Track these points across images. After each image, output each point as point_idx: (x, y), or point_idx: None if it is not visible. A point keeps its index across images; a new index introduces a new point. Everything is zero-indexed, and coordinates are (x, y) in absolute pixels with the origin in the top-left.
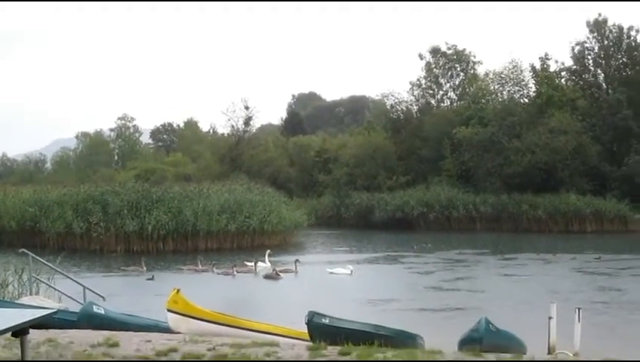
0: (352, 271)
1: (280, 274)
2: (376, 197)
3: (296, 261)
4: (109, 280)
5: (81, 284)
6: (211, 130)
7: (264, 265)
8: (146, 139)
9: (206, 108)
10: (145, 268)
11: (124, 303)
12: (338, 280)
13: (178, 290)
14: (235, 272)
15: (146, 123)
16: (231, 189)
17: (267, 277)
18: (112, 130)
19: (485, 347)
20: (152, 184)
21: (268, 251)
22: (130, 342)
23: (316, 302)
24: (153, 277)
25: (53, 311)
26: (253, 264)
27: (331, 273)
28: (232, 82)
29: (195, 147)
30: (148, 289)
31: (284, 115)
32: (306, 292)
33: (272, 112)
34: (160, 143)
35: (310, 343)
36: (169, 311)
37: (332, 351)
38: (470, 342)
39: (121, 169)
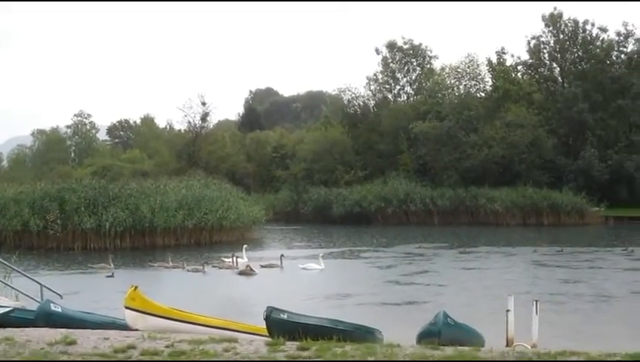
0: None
1: (254, 269)
2: (334, 192)
3: (282, 256)
4: (67, 278)
5: (38, 282)
6: (168, 126)
7: (243, 261)
8: (102, 135)
9: (163, 104)
10: (112, 266)
11: (83, 301)
12: (309, 276)
13: (136, 287)
14: (205, 269)
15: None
16: (188, 185)
17: (241, 273)
18: (68, 127)
19: (443, 340)
20: (109, 181)
21: (245, 246)
22: (88, 340)
23: (283, 297)
24: (113, 274)
25: (10, 309)
26: (230, 260)
27: (303, 268)
28: (188, 78)
29: (152, 143)
30: (108, 286)
31: (241, 110)
32: (275, 288)
33: (229, 108)
34: (117, 140)
35: (269, 338)
36: (126, 308)
37: (291, 346)
38: (428, 335)
39: (78, 166)
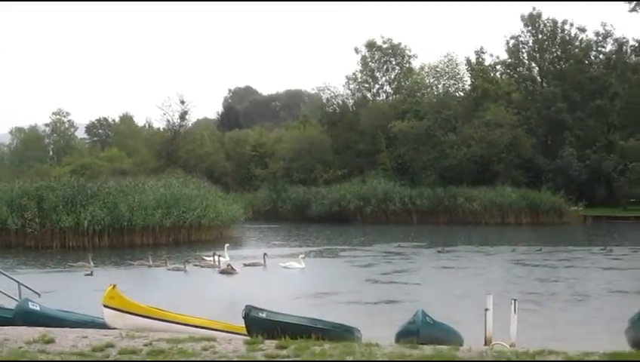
0: (304, 266)
1: (235, 268)
2: (313, 190)
3: (265, 255)
4: (45, 277)
5: (16, 281)
6: (147, 125)
7: (225, 260)
8: (81, 134)
9: (141, 102)
10: (92, 264)
11: (62, 300)
12: (290, 275)
13: (114, 286)
14: (186, 268)
15: (81, 118)
16: (167, 184)
17: (223, 272)
18: (46, 125)
19: (422, 339)
20: (88, 179)
21: (226, 245)
22: (66, 339)
23: (264, 296)
24: (92, 272)
25: None
26: (212, 259)
27: (285, 267)
28: (167, 76)
29: (131, 142)
30: (87, 285)
31: (220, 109)
32: (257, 286)
33: (208, 107)
34: (95, 138)
35: (248, 337)
36: (105, 306)
37: (269, 345)
38: (407, 334)
39: (57, 164)
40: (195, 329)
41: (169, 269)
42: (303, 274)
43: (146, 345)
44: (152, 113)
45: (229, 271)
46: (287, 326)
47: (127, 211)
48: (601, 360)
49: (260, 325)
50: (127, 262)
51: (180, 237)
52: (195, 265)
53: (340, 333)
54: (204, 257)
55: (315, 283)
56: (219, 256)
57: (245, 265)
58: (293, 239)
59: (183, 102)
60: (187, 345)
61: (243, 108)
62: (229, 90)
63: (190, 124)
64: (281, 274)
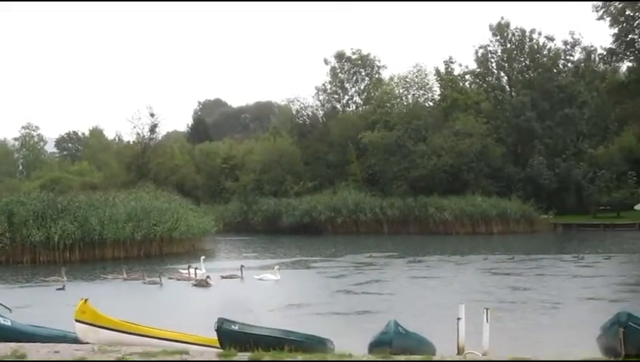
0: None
1: (209, 281)
2: (284, 202)
3: (242, 267)
4: (16, 292)
5: None
6: (117, 138)
7: (201, 272)
8: (50, 148)
9: (111, 115)
10: (65, 278)
11: (34, 315)
12: (265, 287)
13: (86, 300)
14: (162, 281)
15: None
16: (137, 197)
17: (197, 284)
18: (16, 139)
19: (395, 349)
20: (58, 193)
21: (202, 257)
22: (38, 354)
23: (237, 308)
24: (64, 287)
25: None
26: (187, 271)
27: (260, 279)
28: (137, 89)
29: (101, 155)
30: (59, 299)
31: (190, 121)
32: (231, 298)
33: (177, 119)
34: (65, 152)
35: (220, 350)
36: (77, 321)
37: (242, 357)
38: (380, 344)
39: (26, 179)
40: (167, 342)
41: (145, 283)
42: (278, 285)
43: (118, 359)
44: (121, 126)
45: (203, 284)
46: (260, 338)
47: (97, 225)
48: None
49: (232, 337)
50: (101, 276)
51: (152, 250)
52: (170, 278)
53: (313, 345)
54: (180, 270)
55: (288, 294)
56: (195, 268)
57: (223, 277)
58: (265, 251)
59: (152, 115)
60: (159, 358)
61: (213, 121)
62: (199, 103)
63: (160, 137)
64: (256, 286)
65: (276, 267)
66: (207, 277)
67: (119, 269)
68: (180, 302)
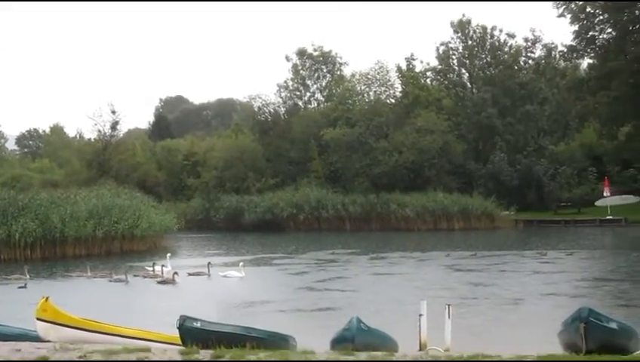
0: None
1: (175, 279)
2: (246, 199)
3: (209, 264)
4: None
5: None
6: (78, 136)
7: (167, 269)
8: (11, 145)
9: (72, 113)
10: (28, 276)
11: None
12: (229, 284)
13: (47, 298)
14: (128, 279)
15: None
16: (99, 194)
17: (162, 282)
18: None
19: (357, 346)
20: (19, 191)
21: (168, 255)
22: None
23: (199, 306)
24: (26, 285)
25: None
26: (152, 269)
27: (225, 276)
28: (98, 86)
29: (62, 153)
30: (22, 298)
31: (151, 119)
32: (195, 296)
33: (139, 116)
34: (26, 149)
35: (182, 347)
36: (38, 319)
37: (205, 355)
38: (342, 341)
39: None
40: (129, 340)
41: (111, 281)
42: (242, 282)
43: (80, 358)
44: (83, 124)
45: (169, 281)
46: (222, 335)
47: (59, 223)
48: None
49: (194, 335)
50: (65, 274)
51: (113, 248)
52: (136, 276)
53: (275, 342)
54: (146, 268)
55: (251, 291)
56: (162, 266)
57: (190, 274)
58: (228, 248)
59: (114, 112)
60: (121, 356)
61: (174, 118)
62: (160, 100)
63: (122, 134)
64: (221, 284)
65: (241, 264)
66: (175, 273)
67: (83, 267)
68: (146, 300)
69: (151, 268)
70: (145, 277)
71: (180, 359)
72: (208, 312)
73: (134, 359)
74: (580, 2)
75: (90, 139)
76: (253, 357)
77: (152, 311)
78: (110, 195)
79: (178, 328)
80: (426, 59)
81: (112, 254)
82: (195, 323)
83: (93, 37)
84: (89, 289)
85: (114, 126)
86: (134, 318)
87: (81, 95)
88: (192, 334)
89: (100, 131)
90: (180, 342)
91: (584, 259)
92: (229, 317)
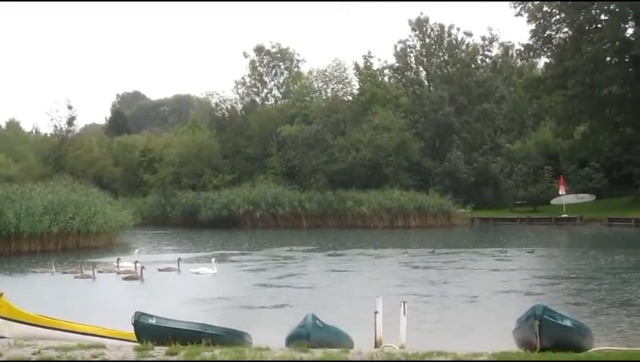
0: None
1: (139, 274)
2: (203, 196)
3: (179, 259)
4: None
5: None
6: (34, 131)
7: (130, 265)
8: None
9: (28, 108)
10: None
11: None
12: (199, 280)
13: (1, 294)
14: (95, 274)
15: None
16: (54, 190)
17: (128, 278)
18: None
19: (313, 342)
20: None
21: (136, 250)
22: None
23: (157, 302)
24: None
25: None
26: (116, 265)
27: (196, 273)
28: (54, 81)
29: (18, 148)
30: None
31: (108, 114)
32: (155, 293)
33: (96, 112)
34: None
35: (138, 344)
36: None
37: (160, 351)
38: (298, 337)
39: None
40: (84, 336)
41: (77, 276)
42: (207, 279)
43: (34, 354)
44: (39, 119)
45: (133, 277)
46: (178, 331)
47: (14, 218)
48: (489, 360)
49: (149, 331)
50: (29, 269)
51: (68, 244)
52: (100, 272)
53: (231, 338)
54: (113, 263)
55: (206, 288)
56: (135, 261)
57: (160, 270)
58: (184, 244)
59: (70, 108)
60: (76, 352)
61: (131, 114)
62: (117, 95)
63: (78, 130)
64: (189, 280)
65: (213, 260)
66: (142, 268)
67: (48, 263)
68: (110, 296)
69: (115, 264)
70: (110, 272)
71: (134, 355)
72: (156, 308)
73: (89, 355)
74: (537, 2)
75: (46, 135)
76: (208, 354)
77: (115, 307)
78: (66, 191)
79: (133, 324)
80: (384, 57)
81: (67, 250)
82: (150, 320)
83: (50, 31)
84: (53, 285)
85: (70, 121)
86: (98, 315)
87: (38, 90)
88: (147, 331)
89: (56, 127)
90: (134, 339)
91: (540, 256)
92: (183, 313)
